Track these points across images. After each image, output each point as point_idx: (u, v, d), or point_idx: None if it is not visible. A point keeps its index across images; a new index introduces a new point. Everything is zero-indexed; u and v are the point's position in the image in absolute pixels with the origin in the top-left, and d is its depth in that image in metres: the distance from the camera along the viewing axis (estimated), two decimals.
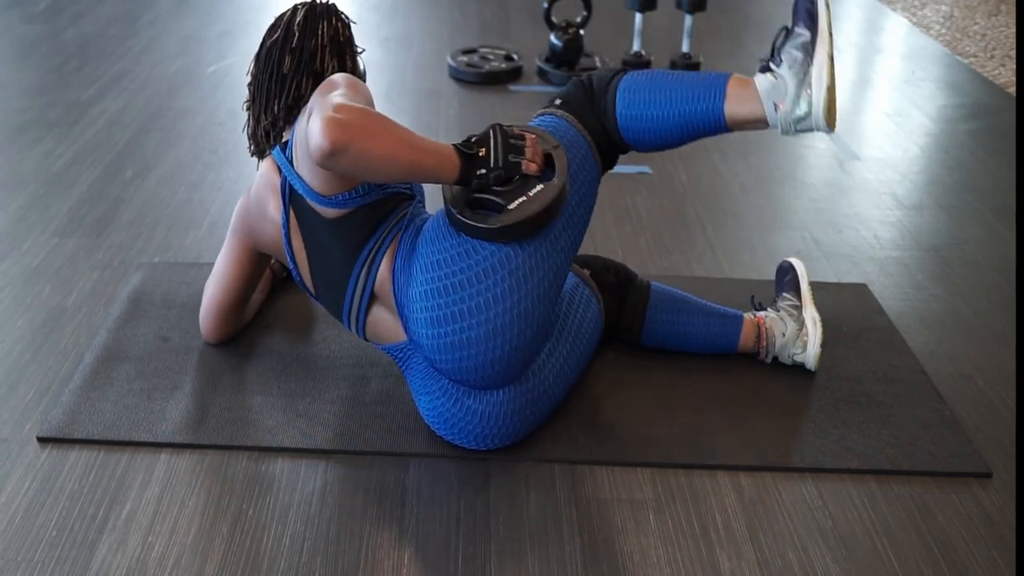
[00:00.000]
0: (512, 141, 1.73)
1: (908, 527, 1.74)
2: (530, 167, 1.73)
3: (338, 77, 1.74)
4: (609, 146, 1.93)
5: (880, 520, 1.75)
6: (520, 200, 1.71)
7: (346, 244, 1.81)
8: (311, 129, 1.57)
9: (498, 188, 1.72)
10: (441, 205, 1.77)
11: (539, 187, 1.73)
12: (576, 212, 1.83)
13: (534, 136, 1.78)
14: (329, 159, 1.56)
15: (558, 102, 1.94)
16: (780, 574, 1.63)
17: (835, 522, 1.74)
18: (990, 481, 1.85)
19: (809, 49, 1.80)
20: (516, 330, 1.72)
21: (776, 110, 1.80)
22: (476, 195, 1.73)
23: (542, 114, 1.93)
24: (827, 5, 1.82)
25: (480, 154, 1.70)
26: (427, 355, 1.78)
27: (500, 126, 1.74)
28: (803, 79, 1.79)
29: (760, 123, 1.85)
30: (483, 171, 1.70)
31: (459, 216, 1.71)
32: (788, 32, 1.86)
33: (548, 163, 1.78)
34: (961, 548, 1.70)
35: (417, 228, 1.83)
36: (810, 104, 1.78)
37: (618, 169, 3.03)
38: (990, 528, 1.74)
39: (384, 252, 1.81)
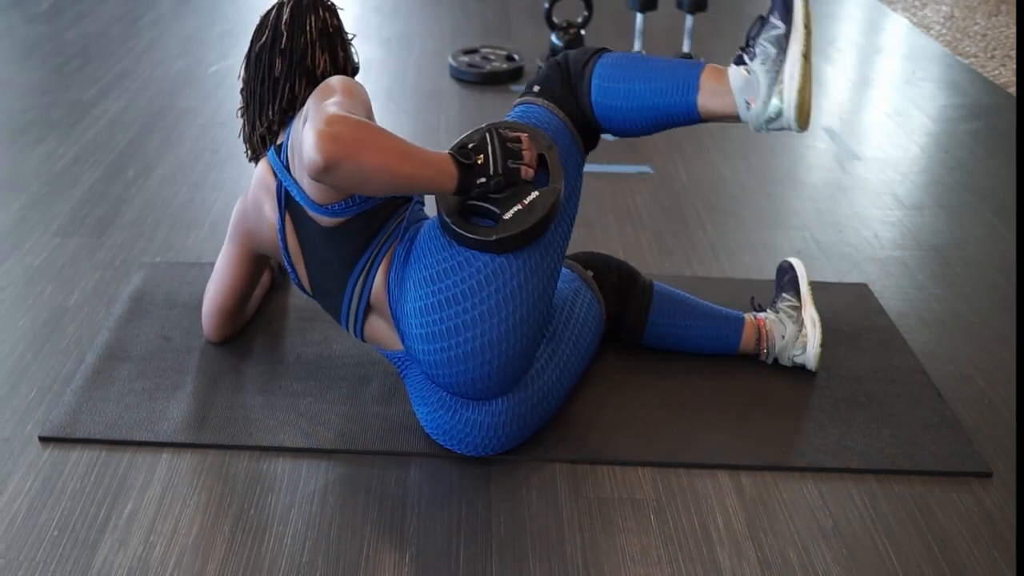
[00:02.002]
0: (510, 145, 1.69)
1: (908, 526, 1.74)
2: (528, 173, 1.69)
3: (334, 82, 1.70)
4: (589, 129, 1.90)
5: (881, 519, 1.75)
6: (516, 209, 1.67)
7: (342, 255, 1.80)
8: (304, 143, 1.52)
9: (494, 195, 1.68)
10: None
11: (535, 194, 1.69)
12: (566, 207, 1.81)
13: (527, 136, 1.74)
14: (323, 174, 1.52)
15: (536, 88, 1.90)
16: (781, 573, 1.64)
17: (836, 521, 1.75)
18: (990, 480, 1.85)
19: (783, 44, 1.73)
20: (512, 340, 1.71)
21: (748, 108, 1.76)
22: (471, 202, 1.69)
23: (522, 103, 1.90)
24: None
25: (479, 162, 1.66)
26: (424, 369, 1.78)
27: (496, 129, 1.70)
28: (775, 77, 1.73)
29: (732, 118, 1.81)
30: (483, 179, 1.66)
31: (454, 226, 1.67)
32: (763, 22, 1.79)
33: (541, 163, 1.74)
34: (961, 547, 1.70)
35: (411, 237, 1.80)
36: (781, 104, 1.73)
37: (619, 169, 3.06)
38: (990, 527, 1.74)
39: (379, 264, 1.79)
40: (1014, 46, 4.42)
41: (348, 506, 1.75)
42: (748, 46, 1.79)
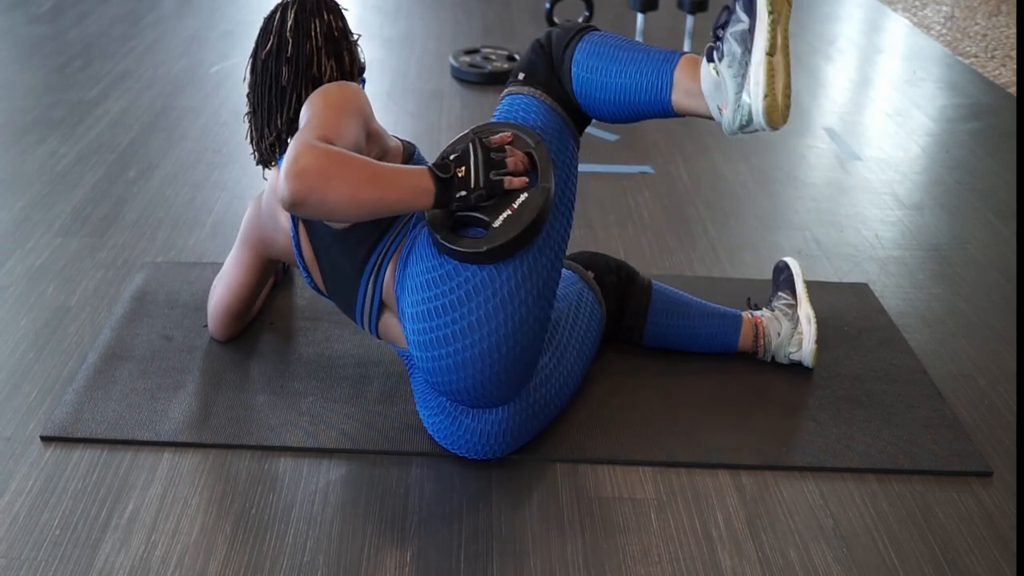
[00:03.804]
0: (493, 156, 1.65)
1: (909, 526, 1.74)
2: (512, 183, 1.65)
3: (322, 94, 1.68)
4: (579, 112, 1.84)
5: (881, 519, 1.76)
6: (505, 215, 1.63)
7: (353, 255, 1.80)
8: (281, 173, 1.51)
9: (481, 204, 1.65)
10: None
11: (523, 197, 1.65)
12: (561, 200, 1.76)
13: (509, 136, 1.71)
14: (292, 209, 1.52)
15: (522, 76, 1.83)
16: (781, 572, 1.64)
17: (836, 521, 1.75)
18: (991, 480, 1.85)
19: (748, 42, 1.58)
20: (506, 348, 1.68)
21: (720, 113, 1.65)
22: (459, 213, 1.66)
23: (509, 94, 1.85)
24: None
25: (459, 174, 1.61)
26: (423, 375, 1.77)
27: (480, 138, 1.67)
28: (742, 82, 1.59)
29: (709, 119, 1.72)
30: (463, 193, 1.61)
31: (441, 240, 1.64)
32: (730, 12, 1.65)
33: (531, 162, 1.70)
34: (962, 547, 1.70)
35: (416, 235, 1.78)
36: (750, 113, 1.60)
37: (620, 168, 3.06)
38: (990, 527, 1.75)
39: (389, 261, 1.79)
40: (1014, 46, 4.42)
41: (349, 505, 1.75)
42: (717, 40, 1.65)
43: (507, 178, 1.65)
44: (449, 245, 1.64)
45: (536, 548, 1.67)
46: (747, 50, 1.58)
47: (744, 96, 1.59)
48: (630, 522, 1.73)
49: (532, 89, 1.81)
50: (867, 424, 1.97)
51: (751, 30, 1.57)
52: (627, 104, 1.76)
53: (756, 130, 1.63)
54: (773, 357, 2.12)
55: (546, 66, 1.82)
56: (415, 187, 1.59)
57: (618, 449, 1.89)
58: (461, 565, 1.63)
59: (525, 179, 1.67)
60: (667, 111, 1.74)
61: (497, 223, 1.63)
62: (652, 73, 1.72)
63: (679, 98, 1.71)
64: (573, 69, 1.79)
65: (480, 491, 1.79)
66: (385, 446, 1.87)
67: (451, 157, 1.65)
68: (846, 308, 2.35)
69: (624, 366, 2.12)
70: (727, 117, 1.63)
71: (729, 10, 1.65)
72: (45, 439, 1.88)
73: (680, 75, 1.70)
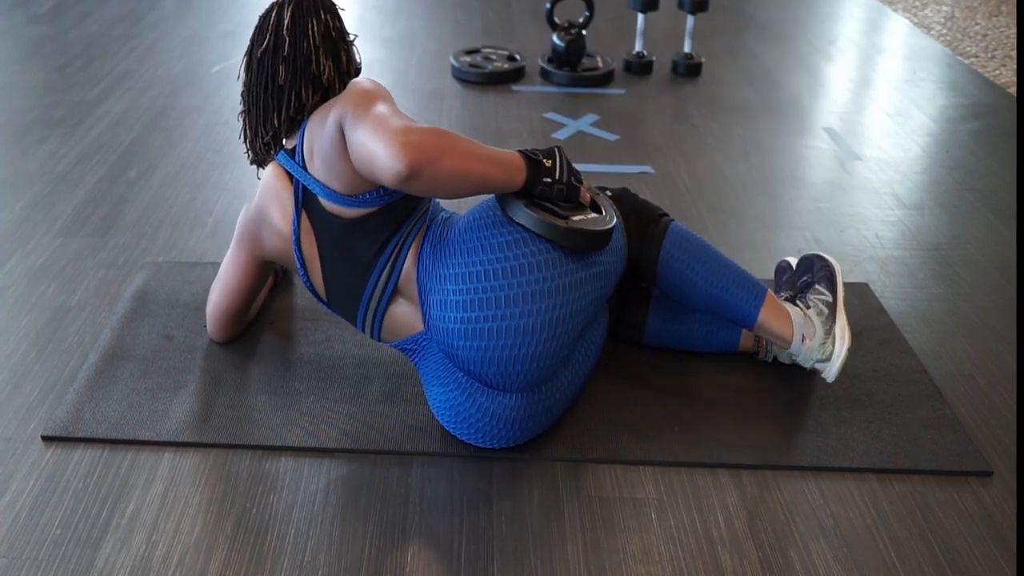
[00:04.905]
0: (573, 166, 1.77)
1: (909, 525, 1.75)
2: (586, 196, 1.79)
3: (369, 88, 1.72)
4: (634, 269, 2.00)
5: (881, 518, 1.76)
6: (580, 217, 1.74)
7: (370, 243, 1.81)
8: (378, 154, 1.58)
9: (558, 201, 1.76)
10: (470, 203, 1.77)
11: (594, 215, 1.77)
12: (610, 277, 1.84)
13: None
14: (405, 182, 1.58)
15: (610, 193, 2.00)
16: (781, 572, 1.64)
17: (836, 520, 1.75)
18: (991, 480, 1.86)
19: (832, 310, 1.99)
20: (544, 336, 1.72)
21: (803, 341, 1.97)
22: (537, 200, 1.75)
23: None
24: (842, 280, 2.04)
25: (546, 164, 1.73)
26: (448, 341, 1.77)
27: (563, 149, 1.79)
28: (829, 330, 1.96)
29: (782, 342, 1.99)
30: (549, 180, 1.73)
31: (525, 207, 1.71)
32: (810, 284, 2.06)
33: (594, 206, 1.83)
34: (962, 546, 1.70)
35: (443, 220, 1.84)
36: (831, 356, 1.95)
37: (621, 169, 3.06)
38: (991, 527, 1.75)
39: (411, 243, 1.81)
40: (1014, 46, 4.42)
41: (350, 505, 1.75)
42: (800, 296, 2.06)
43: (583, 188, 1.78)
44: (533, 214, 1.70)
45: (536, 548, 1.67)
46: (831, 315, 1.99)
47: (830, 339, 1.96)
48: (630, 522, 1.73)
49: (615, 206, 1.95)
50: (867, 424, 1.97)
51: (833, 304, 2.00)
52: (714, 290, 1.98)
53: (821, 371, 1.97)
54: (775, 357, 2.12)
55: (636, 211, 2.00)
56: (512, 165, 1.70)
57: (618, 448, 1.89)
58: (461, 564, 1.64)
59: (590, 200, 1.82)
60: (749, 317, 1.99)
61: (573, 219, 1.73)
62: (748, 287, 1.99)
63: (767, 315, 1.98)
64: (669, 233, 1.99)
65: (480, 491, 1.79)
66: (386, 446, 1.88)
67: (536, 151, 1.76)
68: (847, 308, 2.35)
69: (625, 365, 2.12)
70: (810, 347, 1.97)
71: (809, 281, 2.07)
72: (46, 439, 1.88)
73: (771, 298, 2.00)
